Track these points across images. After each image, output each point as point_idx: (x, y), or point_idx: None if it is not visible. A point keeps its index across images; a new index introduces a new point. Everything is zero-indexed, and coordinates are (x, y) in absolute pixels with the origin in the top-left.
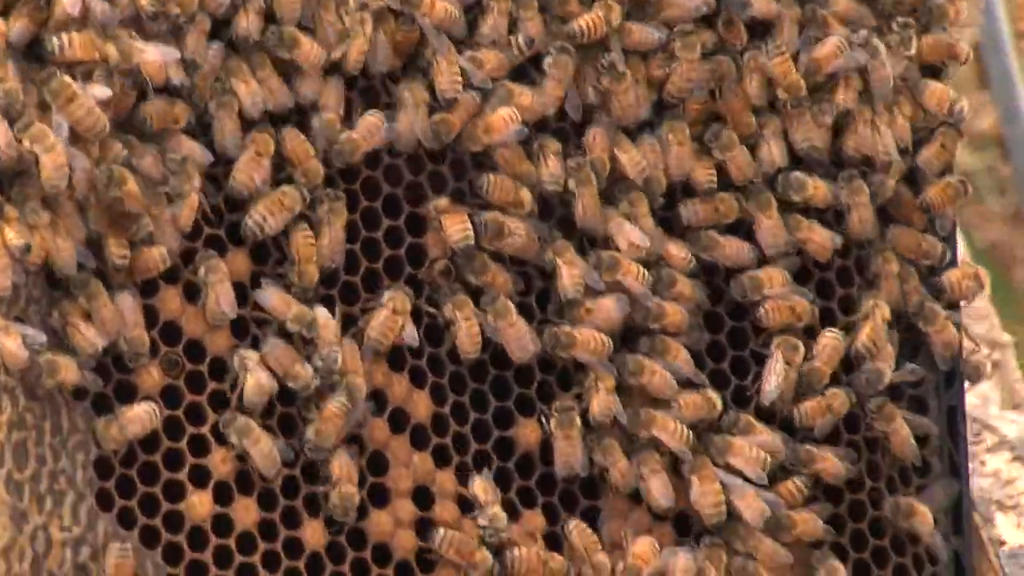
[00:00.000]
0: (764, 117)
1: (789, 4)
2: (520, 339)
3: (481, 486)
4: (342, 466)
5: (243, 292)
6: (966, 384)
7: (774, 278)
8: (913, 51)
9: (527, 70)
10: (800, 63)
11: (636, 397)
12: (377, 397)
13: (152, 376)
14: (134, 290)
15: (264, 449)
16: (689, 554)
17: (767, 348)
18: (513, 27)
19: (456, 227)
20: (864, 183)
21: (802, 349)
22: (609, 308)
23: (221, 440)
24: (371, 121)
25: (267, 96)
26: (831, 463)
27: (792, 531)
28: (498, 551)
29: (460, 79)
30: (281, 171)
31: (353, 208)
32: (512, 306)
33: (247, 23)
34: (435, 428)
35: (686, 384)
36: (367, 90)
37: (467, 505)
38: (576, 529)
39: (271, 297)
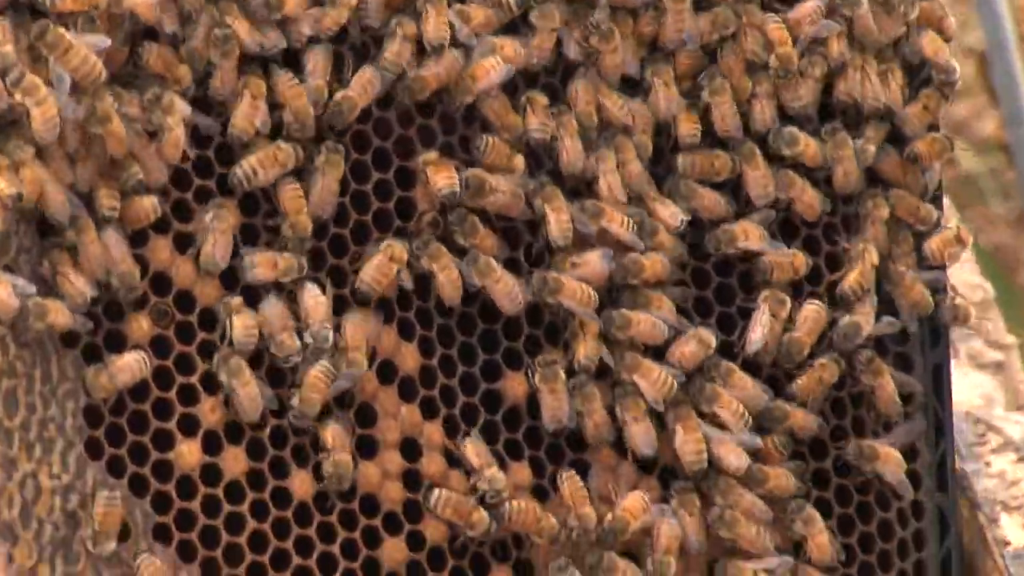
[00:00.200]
0: (758, 75)
1: None
2: (509, 293)
3: (473, 450)
4: (334, 435)
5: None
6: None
7: (750, 232)
8: (914, 15)
9: (518, 28)
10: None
11: (626, 351)
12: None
13: (142, 326)
14: (119, 227)
15: (251, 392)
16: (675, 519)
17: (751, 304)
18: None
19: (442, 176)
20: (848, 136)
21: (789, 303)
22: (595, 262)
23: (210, 390)
24: (365, 76)
25: (262, 38)
26: (802, 417)
27: (765, 484)
28: (492, 506)
29: (448, 29)
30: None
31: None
32: (495, 263)
33: None
34: (423, 380)
35: (675, 335)
36: (361, 47)
37: (455, 458)
38: (568, 480)
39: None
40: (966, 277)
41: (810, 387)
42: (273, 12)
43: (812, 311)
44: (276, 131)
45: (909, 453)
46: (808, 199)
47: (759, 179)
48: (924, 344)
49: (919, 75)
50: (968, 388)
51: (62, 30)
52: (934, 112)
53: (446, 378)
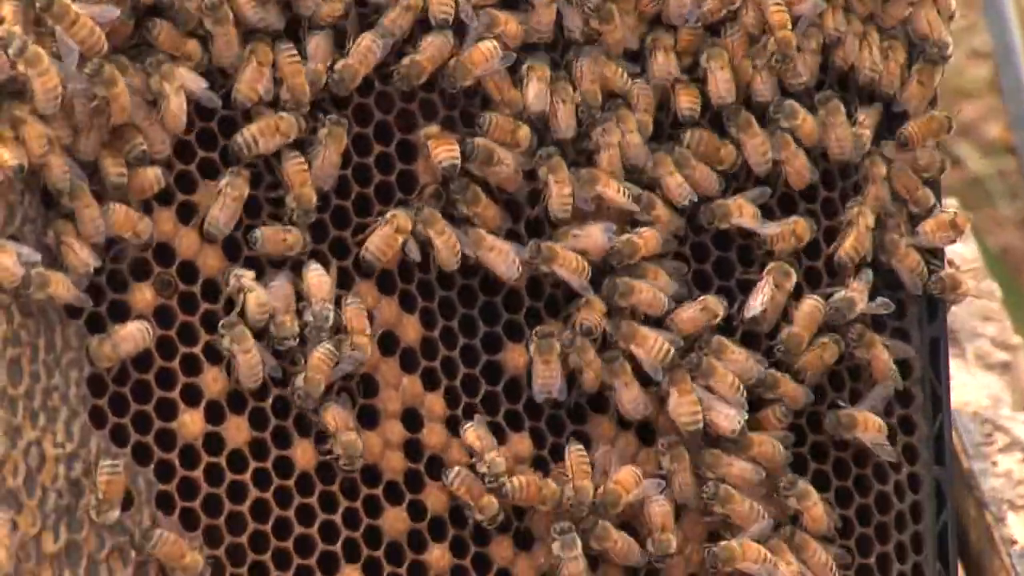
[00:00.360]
0: (759, 48)
1: None
2: (505, 259)
3: (474, 435)
4: (335, 417)
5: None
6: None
7: (744, 209)
8: None
9: (517, 2)
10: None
11: (623, 320)
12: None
13: (145, 296)
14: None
15: (252, 360)
16: (665, 498)
17: (751, 276)
18: None
19: (443, 149)
20: (840, 104)
21: (793, 276)
22: (596, 235)
23: (213, 360)
24: (365, 44)
25: (263, 14)
26: (792, 387)
27: (749, 451)
28: (492, 489)
29: (452, 5)
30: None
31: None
32: (483, 232)
33: None
34: (424, 352)
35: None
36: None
37: (455, 428)
38: (574, 452)
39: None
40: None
41: (811, 364)
42: None
43: (810, 306)
44: (271, 105)
45: (906, 426)
46: (799, 165)
47: (757, 147)
48: (921, 318)
49: (917, 53)
50: (975, 388)
51: (68, 1)
52: (930, 86)
53: (447, 350)
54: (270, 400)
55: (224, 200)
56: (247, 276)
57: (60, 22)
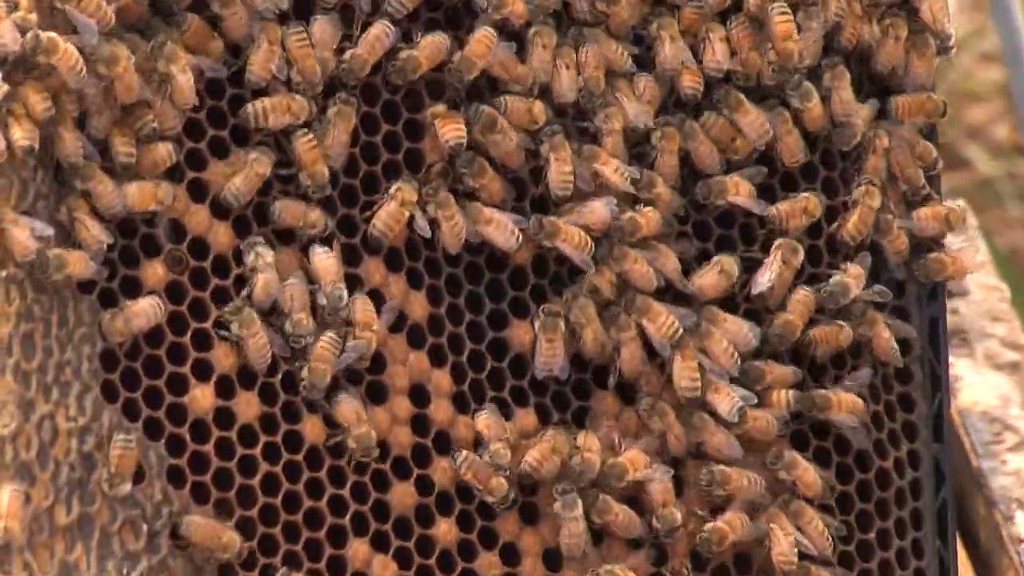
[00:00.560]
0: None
1: None
2: (503, 231)
3: (485, 422)
4: (347, 411)
5: None
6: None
7: (741, 187)
8: None
9: None
10: None
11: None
12: (374, 297)
13: (157, 272)
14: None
15: (260, 342)
16: (666, 476)
17: (753, 254)
18: None
19: (450, 127)
20: (847, 70)
21: (801, 252)
22: (599, 209)
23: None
24: (374, 34)
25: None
26: (780, 371)
27: (743, 426)
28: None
29: None
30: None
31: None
32: (481, 206)
33: None
34: (431, 329)
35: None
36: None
37: (462, 405)
38: (588, 432)
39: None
40: (983, 279)
41: (823, 338)
42: None
43: (803, 295)
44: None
45: (905, 404)
46: (792, 141)
47: (753, 122)
48: (921, 298)
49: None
50: (985, 388)
51: None
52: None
53: (454, 326)
54: (279, 376)
55: (249, 173)
56: (267, 256)
57: (68, 1)
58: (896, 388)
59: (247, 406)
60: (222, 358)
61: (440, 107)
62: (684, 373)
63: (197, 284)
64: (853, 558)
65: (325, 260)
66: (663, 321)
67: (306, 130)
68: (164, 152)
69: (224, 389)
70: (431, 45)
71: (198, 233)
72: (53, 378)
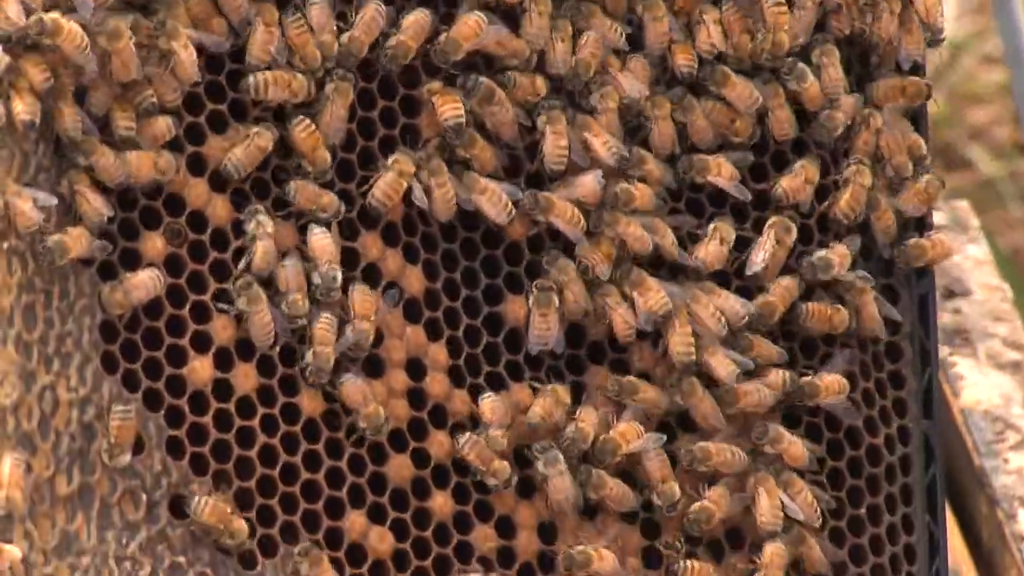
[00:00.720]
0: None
1: None
2: (496, 203)
3: (489, 406)
4: (352, 393)
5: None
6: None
7: (723, 168)
8: None
9: None
10: None
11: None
12: (371, 271)
13: (156, 245)
14: None
15: (264, 319)
16: (659, 444)
17: (744, 232)
18: None
19: (448, 106)
20: (836, 48)
21: (794, 231)
22: (588, 183)
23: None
24: (369, 16)
25: None
26: (766, 347)
27: (736, 404)
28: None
29: None
30: None
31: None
32: (477, 175)
33: None
34: (428, 303)
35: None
36: None
37: (458, 379)
38: (587, 407)
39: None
40: (985, 279)
41: (816, 314)
42: None
43: (787, 282)
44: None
45: (895, 381)
46: (784, 115)
47: (741, 93)
48: (910, 275)
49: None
50: (987, 387)
51: None
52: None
53: (450, 301)
54: (277, 348)
55: (250, 145)
56: (267, 225)
57: None
58: (887, 366)
59: (245, 378)
60: (220, 330)
61: (436, 84)
62: (679, 339)
63: (196, 257)
64: (844, 533)
65: (322, 240)
66: (654, 295)
67: (302, 117)
68: (164, 125)
69: (222, 361)
70: (414, 25)
71: (197, 207)
72: (54, 349)
